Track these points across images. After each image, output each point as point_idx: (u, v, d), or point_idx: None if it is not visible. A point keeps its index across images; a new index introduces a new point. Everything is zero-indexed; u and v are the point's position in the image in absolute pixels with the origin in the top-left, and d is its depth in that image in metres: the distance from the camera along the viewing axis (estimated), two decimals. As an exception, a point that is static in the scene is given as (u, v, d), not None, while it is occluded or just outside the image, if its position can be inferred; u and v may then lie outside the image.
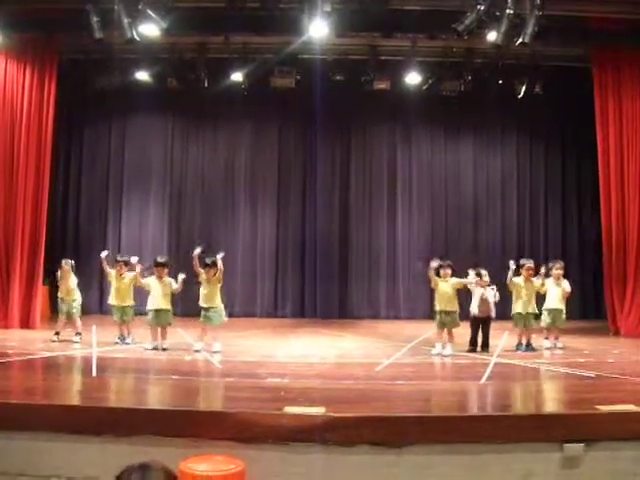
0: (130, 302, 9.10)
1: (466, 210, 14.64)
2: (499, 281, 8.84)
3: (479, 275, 8.72)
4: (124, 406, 4.84)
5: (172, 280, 8.59)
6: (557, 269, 9.01)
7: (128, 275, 9.03)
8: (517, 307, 8.68)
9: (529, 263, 8.78)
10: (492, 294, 8.65)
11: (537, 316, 8.79)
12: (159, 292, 8.51)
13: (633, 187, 11.05)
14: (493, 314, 8.62)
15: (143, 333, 8.98)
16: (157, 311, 8.49)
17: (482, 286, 8.64)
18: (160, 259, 8.80)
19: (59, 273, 9.32)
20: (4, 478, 4.35)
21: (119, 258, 9.36)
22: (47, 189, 11.33)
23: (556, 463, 4.39)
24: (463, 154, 14.77)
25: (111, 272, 9.12)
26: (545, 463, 4.39)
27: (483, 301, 8.60)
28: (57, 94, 11.36)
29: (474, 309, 8.63)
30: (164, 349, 8.33)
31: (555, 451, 4.39)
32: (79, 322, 9.22)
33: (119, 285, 9.06)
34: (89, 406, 4.82)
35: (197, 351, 8.14)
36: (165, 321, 8.54)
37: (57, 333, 9.07)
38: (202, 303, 8.39)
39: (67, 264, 9.31)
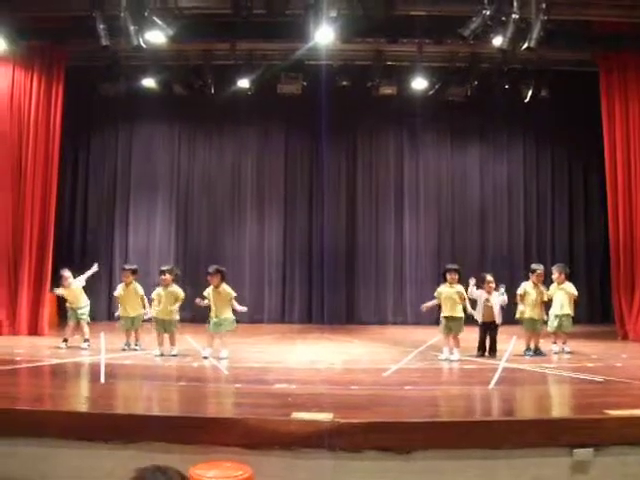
0: (138, 312, 8.96)
1: (473, 215, 14.60)
2: (508, 287, 8.86)
3: (482, 281, 8.71)
4: (132, 413, 4.85)
5: (178, 289, 8.62)
6: (555, 274, 9.00)
7: (137, 287, 9.02)
8: (527, 312, 8.66)
9: (539, 269, 8.77)
10: (499, 298, 8.62)
11: (546, 321, 8.80)
12: (163, 300, 8.53)
13: (641, 190, 11.01)
14: (498, 320, 8.59)
15: (150, 340, 8.96)
16: (159, 320, 8.54)
17: (488, 292, 8.63)
18: (163, 267, 8.81)
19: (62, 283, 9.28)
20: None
21: (126, 267, 9.33)
22: (55, 196, 11.36)
23: (566, 468, 4.37)
24: (469, 159, 14.74)
25: (120, 292, 9.05)
26: (555, 468, 4.37)
27: (486, 307, 8.59)
28: (64, 101, 11.39)
29: (478, 315, 8.63)
30: (173, 355, 8.34)
31: (565, 456, 4.37)
32: (87, 329, 9.21)
33: (126, 295, 8.98)
34: (97, 413, 4.82)
35: (205, 357, 8.14)
36: (168, 328, 8.54)
37: (65, 340, 9.09)
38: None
39: (67, 273, 9.29)
